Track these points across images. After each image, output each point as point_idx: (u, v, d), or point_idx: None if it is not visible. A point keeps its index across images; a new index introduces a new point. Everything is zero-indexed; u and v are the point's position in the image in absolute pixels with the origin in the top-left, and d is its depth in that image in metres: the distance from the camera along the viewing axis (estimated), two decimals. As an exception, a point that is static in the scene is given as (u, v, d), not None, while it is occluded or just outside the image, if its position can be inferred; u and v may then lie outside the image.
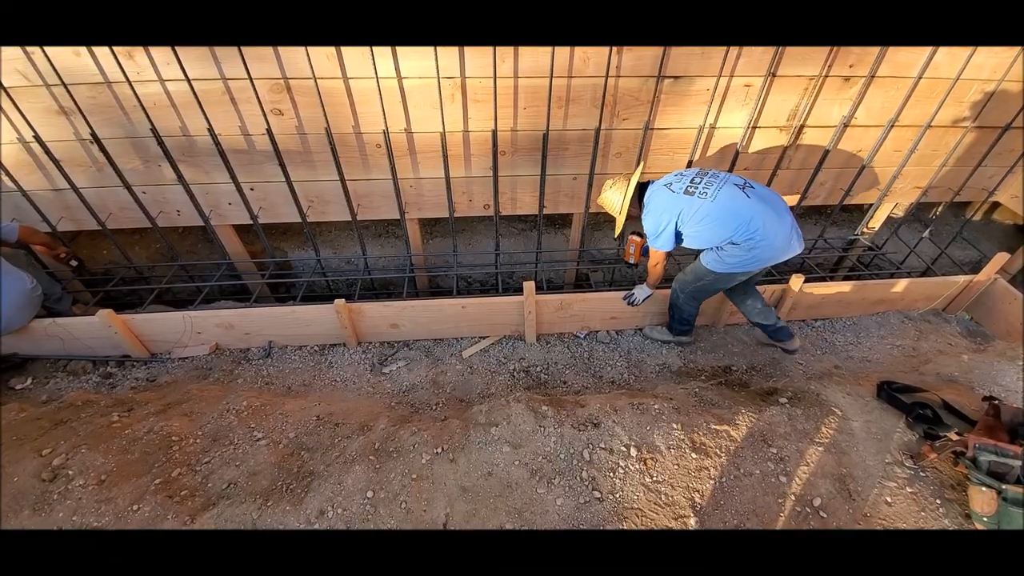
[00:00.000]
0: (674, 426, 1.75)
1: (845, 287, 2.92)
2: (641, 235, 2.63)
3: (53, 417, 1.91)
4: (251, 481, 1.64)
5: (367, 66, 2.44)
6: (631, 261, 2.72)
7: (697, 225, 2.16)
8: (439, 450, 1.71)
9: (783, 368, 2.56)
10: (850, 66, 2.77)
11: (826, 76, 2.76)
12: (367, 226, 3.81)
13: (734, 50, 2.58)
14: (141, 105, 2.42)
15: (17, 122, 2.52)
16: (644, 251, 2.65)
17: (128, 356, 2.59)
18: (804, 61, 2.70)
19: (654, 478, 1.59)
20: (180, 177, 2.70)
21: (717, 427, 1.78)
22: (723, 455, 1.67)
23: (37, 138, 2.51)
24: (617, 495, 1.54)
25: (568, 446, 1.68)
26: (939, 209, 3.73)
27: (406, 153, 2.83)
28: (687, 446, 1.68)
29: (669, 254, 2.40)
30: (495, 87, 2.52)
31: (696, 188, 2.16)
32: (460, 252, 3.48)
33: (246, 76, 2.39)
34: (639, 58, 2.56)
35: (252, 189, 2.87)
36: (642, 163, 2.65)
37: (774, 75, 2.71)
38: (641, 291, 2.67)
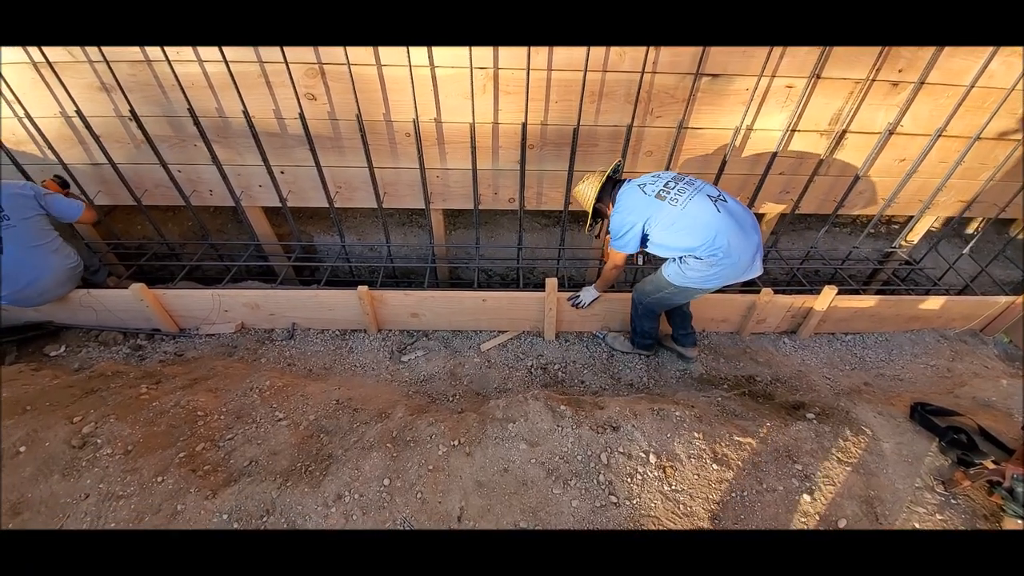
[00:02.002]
0: (695, 435, 1.72)
1: (879, 302, 2.82)
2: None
3: (84, 386, 1.97)
4: (271, 460, 1.67)
5: (401, 54, 2.43)
6: (639, 261, 2.63)
7: (663, 231, 2.11)
8: (456, 442, 1.71)
9: (810, 382, 2.49)
10: (899, 71, 2.65)
11: (873, 80, 2.64)
12: (391, 214, 3.82)
13: (778, 49, 2.49)
14: (179, 84, 2.46)
15: (61, 97, 2.59)
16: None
17: (158, 330, 2.66)
18: (851, 63, 2.59)
19: (673, 487, 1.57)
20: (214, 157, 2.75)
21: (740, 439, 1.73)
22: (746, 468, 1.63)
23: (79, 113, 2.57)
24: (634, 501, 1.52)
25: (586, 448, 1.66)
26: (982, 225, 3.56)
27: (435, 143, 2.82)
28: (708, 456, 1.64)
29: (629, 258, 2.34)
30: (528, 79, 2.48)
31: (668, 193, 2.10)
32: (482, 245, 3.47)
33: (282, 60, 2.41)
34: (677, 54, 2.49)
35: (282, 172, 2.91)
36: (619, 160, 2.56)
37: (819, 77, 2.61)
38: (588, 293, 2.58)
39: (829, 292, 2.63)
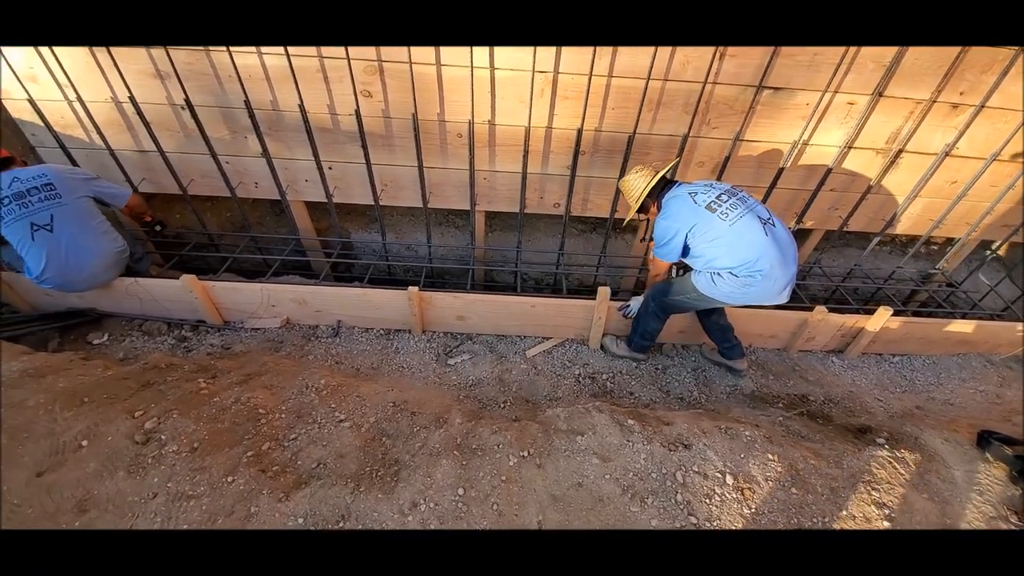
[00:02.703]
0: (770, 456, 1.68)
1: (929, 324, 2.78)
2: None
3: (140, 378, 1.94)
4: (339, 463, 1.63)
5: (463, 55, 2.40)
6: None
7: (705, 244, 2.07)
8: (525, 453, 1.68)
9: (863, 403, 2.45)
10: (960, 93, 2.62)
11: (935, 101, 2.61)
12: (429, 214, 3.80)
13: (844, 65, 2.46)
14: (238, 75, 2.44)
15: (114, 82, 2.57)
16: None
17: (203, 321, 2.63)
18: (915, 83, 2.56)
19: (753, 509, 1.53)
20: (265, 150, 2.72)
21: (815, 463, 1.70)
22: (824, 493, 1.59)
23: (132, 99, 2.55)
24: (714, 523, 1.49)
25: (659, 465, 1.63)
26: (1027, 249, 3.52)
27: (485, 145, 2.79)
28: (787, 480, 1.61)
29: (672, 265, 2.29)
30: (588, 85, 2.45)
31: (720, 206, 2.06)
32: (522, 249, 3.43)
33: (343, 56, 2.38)
34: (742, 66, 2.46)
35: (331, 168, 2.88)
36: (676, 159, 2.53)
37: (881, 95, 2.58)
38: (638, 302, 2.53)
39: (883, 313, 2.59)
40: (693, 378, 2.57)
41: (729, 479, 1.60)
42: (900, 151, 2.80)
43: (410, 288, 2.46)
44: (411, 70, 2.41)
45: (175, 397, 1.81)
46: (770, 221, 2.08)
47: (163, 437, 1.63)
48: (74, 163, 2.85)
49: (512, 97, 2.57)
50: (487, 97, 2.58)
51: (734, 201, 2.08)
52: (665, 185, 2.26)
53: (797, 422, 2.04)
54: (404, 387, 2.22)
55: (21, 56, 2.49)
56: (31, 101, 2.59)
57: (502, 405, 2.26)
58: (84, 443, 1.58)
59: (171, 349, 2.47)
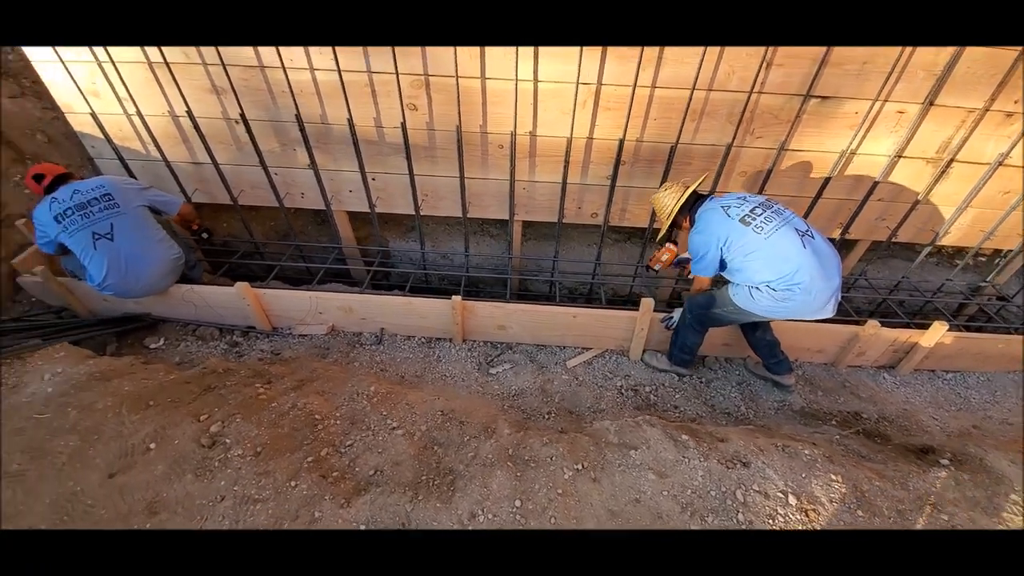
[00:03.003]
0: (832, 477, 1.64)
1: (986, 339, 2.68)
2: (676, 244, 2.49)
3: (200, 382, 2.01)
4: (395, 471, 1.65)
5: (508, 67, 2.44)
6: (655, 268, 2.52)
7: (741, 259, 2.04)
8: (579, 467, 1.67)
9: (919, 422, 2.37)
10: (1015, 101, 2.54)
11: (987, 109, 2.54)
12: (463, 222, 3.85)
13: (894, 73, 2.41)
14: (290, 90, 2.52)
15: (171, 97, 2.68)
16: (676, 262, 2.49)
17: (252, 327, 2.70)
18: (968, 92, 2.49)
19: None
20: (313, 162, 2.80)
21: (880, 484, 1.65)
22: (891, 516, 1.54)
23: (189, 113, 2.66)
24: (778, 542, 1.45)
25: (718, 483, 1.60)
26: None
27: (526, 156, 2.82)
28: (852, 501, 1.56)
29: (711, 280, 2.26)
30: (632, 95, 2.46)
31: (754, 219, 2.02)
32: (558, 258, 3.44)
33: (392, 71, 2.45)
34: (788, 75, 2.44)
35: (374, 179, 2.94)
36: (705, 174, 2.52)
37: (932, 103, 2.52)
38: (680, 314, 2.49)
39: (939, 328, 2.51)
40: (739, 392, 2.52)
41: (792, 499, 1.57)
42: (951, 161, 2.73)
43: (454, 298, 2.49)
44: (457, 83, 2.46)
45: (236, 402, 1.86)
46: (808, 233, 2.04)
47: (227, 441, 1.67)
48: (131, 174, 2.99)
49: (554, 108, 2.60)
50: (529, 109, 2.61)
51: (769, 214, 2.05)
52: (697, 199, 2.25)
53: (855, 441, 1.98)
54: (449, 396, 2.24)
55: (85, 72, 2.63)
56: (93, 115, 2.73)
57: (546, 416, 2.26)
58: (152, 446, 1.64)
59: (224, 354, 2.55)
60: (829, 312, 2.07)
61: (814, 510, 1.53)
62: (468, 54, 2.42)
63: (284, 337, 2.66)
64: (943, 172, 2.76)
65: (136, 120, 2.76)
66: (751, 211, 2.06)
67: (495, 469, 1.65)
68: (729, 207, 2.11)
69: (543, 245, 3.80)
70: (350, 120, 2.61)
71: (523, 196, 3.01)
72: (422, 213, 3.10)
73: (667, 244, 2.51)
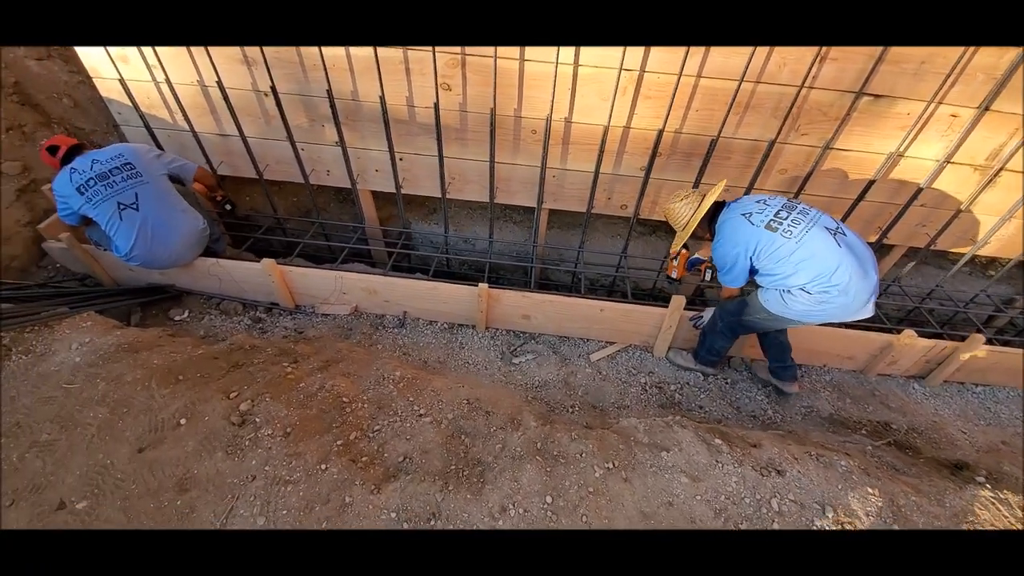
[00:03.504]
0: (869, 491, 1.60)
1: (1021, 355, 2.60)
2: (687, 247, 2.41)
3: (228, 358, 1.99)
4: (424, 459, 1.64)
5: (548, 51, 2.36)
6: (673, 275, 2.47)
7: (773, 265, 1.95)
8: (610, 465, 1.64)
9: (948, 435, 2.32)
10: (1077, 110, 2.41)
11: (1047, 117, 2.42)
12: (484, 207, 3.78)
13: (952, 75, 2.29)
14: (323, 64, 2.45)
15: (202, 66, 2.62)
16: (689, 265, 2.44)
17: (276, 304, 2.69)
18: (1034, 100, 2.37)
19: (856, 543, 1.46)
20: (341, 139, 2.74)
21: (916, 499, 1.61)
22: (931, 532, 1.51)
23: (219, 84, 2.60)
24: (815, 554, 1.43)
25: (752, 490, 1.57)
26: None
27: (559, 142, 2.74)
28: (888, 516, 1.53)
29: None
30: (676, 84, 2.37)
31: (780, 224, 1.93)
32: (583, 249, 3.38)
33: (428, 49, 2.37)
34: (842, 70, 2.33)
35: (402, 159, 2.88)
36: (723, 181, 2.36)
37: (987, 108, 2.40)
38: (711, 314, 2.42)
39: (976, 340, 2.44)
40: (764, 395, 2.48)
41: (828, 511, 1.53)
42: (1000, 169, 2.61)
43: (480, 285, 2.45)
44: (495, 64, 2.38)
45: (264, 380, 1.85)
46: (839, 230, 1.95)
47: (258, 420, 1.66)
48: (156, 142, 2.95)
49: (593, 94, 2.51)
50: (567, 94, 2.53)
51: (795, 216, 1.96)
52: (716, 209, 2.14)
53: (888, 453, 1.94)
54: (474, 384, 2.21)
55: (116, 37, 2.57)
56: (121, 80, 2.68)
57: (570, 410, 2.23)
58: (182, 421, 1.63)
59: (248, 329, 2.54)
60: (869, 312, 1.99)
61: (851, 523, 1.50)
62: (508, 33, 2.33)
63: (307, 315, 2.64)
64: (991, 180, 2.65)
65: (164, 88, 2.71)
66: (775, 215, 1.97)
67: (524, 463, 1.63)
68: (751, 214, 2.01)
69: (566, 234, 3.74)
70: (382, 98, 2.54)
71: (552, 184, 2.94)
72: (449, 196, 3.04)
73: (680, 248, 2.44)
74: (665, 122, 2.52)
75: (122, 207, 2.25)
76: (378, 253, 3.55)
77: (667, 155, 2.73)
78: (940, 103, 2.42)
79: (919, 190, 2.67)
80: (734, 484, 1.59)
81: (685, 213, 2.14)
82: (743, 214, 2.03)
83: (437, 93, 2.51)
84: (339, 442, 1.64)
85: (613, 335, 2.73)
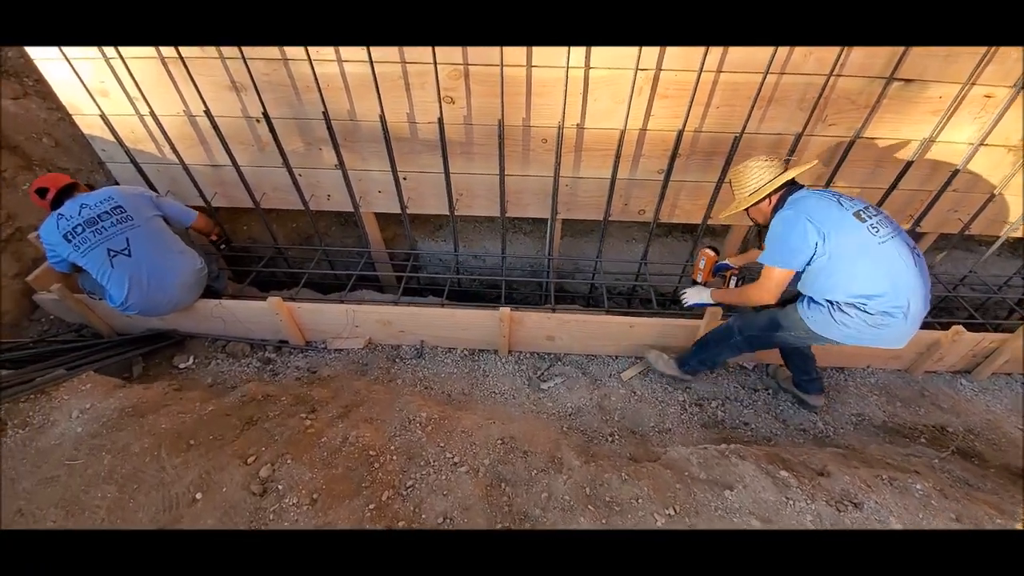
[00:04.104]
0: (952, 516, 1.47)
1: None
2: (716, 251, 2.25)
3: (241, 413, 1.85)
4: (466, 517, 1.50)
5: (558, 55, 2.21)
6: (699, 279, 2.31)
7: (845, 261, 1.66)
8: (671, 512, 1.50)
9: (1005, 433, 2.20)
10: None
11: (1087, 91, 2.28)
12: (491, 221, 3.64)
13: (987, 53, 2.15)
14: (317, 85, 2.29)
15: (187, 95, 2.46)
16: (716, 271, 2.27)
17: (285, 342, 2.54)
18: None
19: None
20: (341, 162, 2.59)
21: (1003, 521, 1.48)
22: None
23: (207, 112, 2.44)
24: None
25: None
26: None
27: (571, 150, 2.59)
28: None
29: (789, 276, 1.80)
30: (696, 82, 2.22)
31: (868, 218, 1.69)
32: (600, 258, 3.23)
33: (428, 60, 2.22)
34: (871, 56, 2.19)
35: (405, 178, 2.73)
36: (816, 162, 2.09)
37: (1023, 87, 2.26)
38: (698, 294, 2.15)
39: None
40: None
41: (911, 544, 1.40)
42: (1039, 146, 2.48)
43: (502, 309, 2.30)
44: (501, 73, 2.23)
45: (284, 438, 1.70)
46: (915, 250, 1.74)
47: (280, 487, 1.52)
48: (145, 178, 2.79)
49: (606, 98, 2.36)
50: (578, 99, 2.38)
51: (881, 218, 1.72)
52: (790, 189, 1.86)
53: (955, 464, 1.81)
54: (503, 417, 2.08)
55: (92, 69, 2.40)
56: (102, 116, 2.51)
57: (609, 439, 2.10)
58: (198, 496, 1.48)
59: (257, 372, 2.39)
60: (903, 343, 1.77)
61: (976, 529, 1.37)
62: (514, 40, 2.18)
63: (319, 352, 2.49)
64: (1026, 160, 2.52)
65: (149, 121, 2.54)
66: (864, 209, 1.73)
67: (576, 515, 1.49)
68: (840, 197, 1.75)
69: (579, 242, 3.60)
70: (382, 116, 2.39)
71: (565, 193, 2.79)
72: (458, 213, 2.89)
73: (704, 250, 2.28)
74: (685, 121, 2.37)
75: (112, 254, 2.10)
76: (386, 277, 3.40)
77: (686, 156, 2.59)
78: (973, 84, 2.28)
79: (954, 174, 2.52)
80: (810, 523, 1.45)
81: (762, 177, 1.82)
82: (832, 195, 1.76)
83: (440, 107, 2.35)
84: (371, 505, 1.50)
85: (643, 350, 2.58)
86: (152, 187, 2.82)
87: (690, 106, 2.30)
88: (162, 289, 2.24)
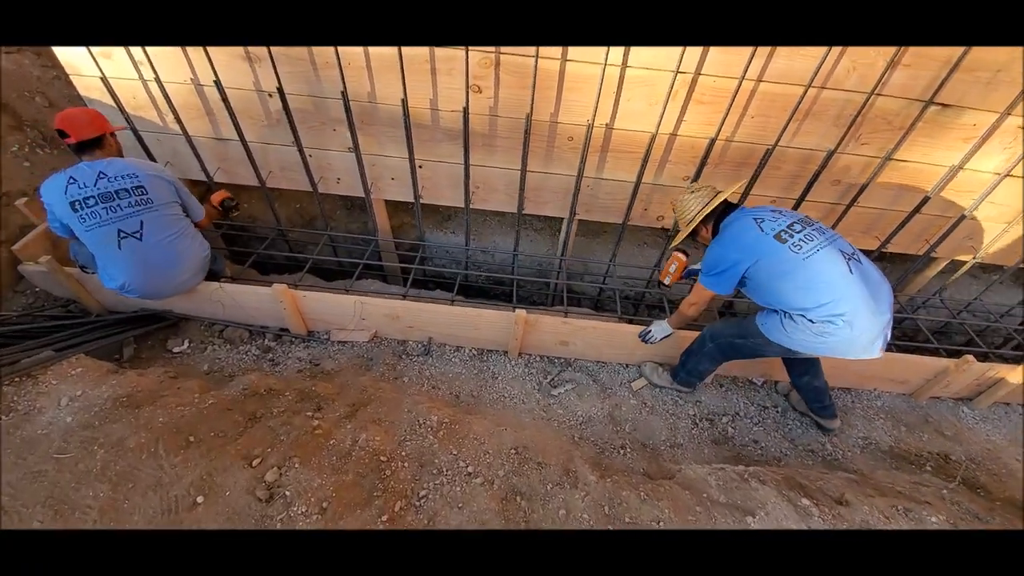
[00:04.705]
0: (972, 553, 1.46)
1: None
2: (686, 253, 2.25)
3: (243, 408, 1.75)
4: (483, 535, 1.44)
5: (596, 51, 2.11)
6: (666, 281, 2.30)
7: (774, 280, 1.76)
8: (693, 535, 1.47)
9: (1005, 464, 2.22)
10: None
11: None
12: (502, 215, 3.54)
13: (1030, 83, 2.12)
14: (339, 63, 2.16)
15: (197, 63, 2.31)
16: (686, 275, 2.27)
17: (286, 330, 2.43)
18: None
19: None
20: (356, 145, 2.46)
21: (1020, 561, 1.47)
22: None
23: (217, 83, 2.29)
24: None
25: (852, 560, 1.41)
26: None
27: (597, 150, 2.51)
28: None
29: (715, 297, 1.98)
30: (737, 89, 2.15)
31: (791, 237, 1.74)
32: (604, 262, 3.17)
33: (459, 47, 2.10)
34: (914, 77, 2.14)
35: (421, 167, 2.62)
36: (741, 183, 2.21)
37: (1059, 118, 2.24)
38: (660, 328, 2.22)
39: (1036, 364, 2.33)
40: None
41: (933, 582, 1.39)
42: (1059, 180, 2.47)
43: (517, 311, 2.23)
44: (535, 64, 2.12)
45: (291, 439, 1.61)
46: (855, 256, 1.76)
47: (287, 493, 1.44)
48: (145, 147, 2.62)
49: (640, 98, 2.28)
50: (610, 98, 2.29)
51: (809, 232, 1.76)
52: (726, 209, 1.95)
53: (963, 495, 1.81)
54: (514, 424, 2.02)
55: (95, 28, 2.23)
56: (104, 79, 2.35)
57: (621, 451, 2.05)
58: (199, 499, 1.40)
59: (256, 361, 2.29)
60: (875, 353, 1.77)
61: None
62: (550, 31, 2.07)
63: (322, 343, 2.40)
64: (1049, 192, 2.51)
65: (154, 87, 2.38)
66: (788, 227, 1.77)
67: (598, 536, 1.44)
68: (763, 220, 1.81)
69: (590, 243, 3.53)
70: (404, 101, 2.27)
71: (586, 194, 2.71)
72: (473, 206, 2.80)
73: (675, 253, 2.26)
74: (719, 130, 2.30)
75: (123, 235, 1.95)
76: (391, 267, 3.29)
77: (715, 165, 2.52)
78: (1009, 114, 2.24)
79: (979, 201, 2.51)
80: (832, 556, 1.43)
81: (693, 207, 1.95)
82: (755, 219, 1.82)
83: (468, 95, 2.24)
84: (384, 517, 1.43)
85: (642, 362, 2.54)
86: (151, 157, 2.67)
87: (726, 114, 2.23)
88: (170, 275, 2.12)
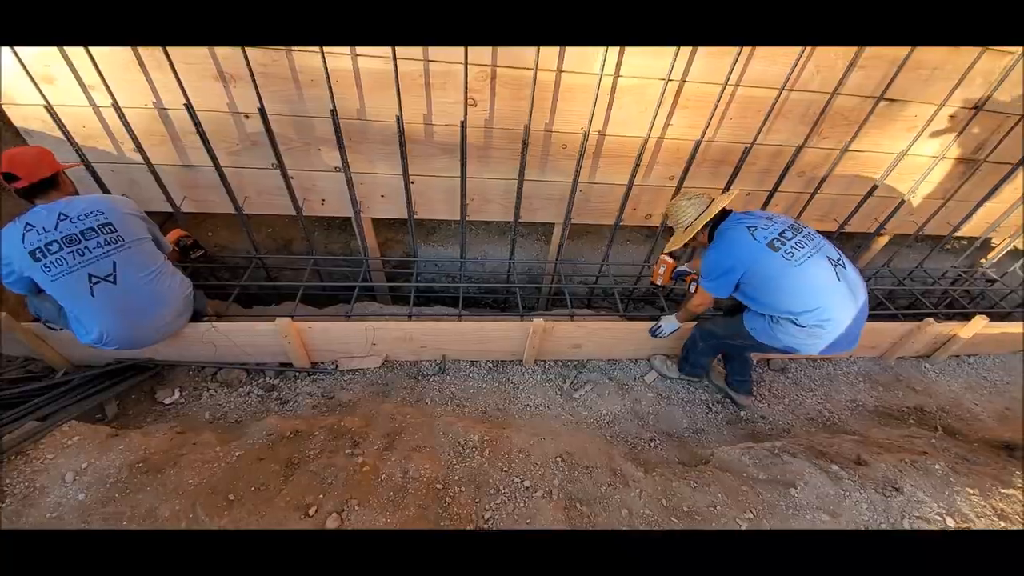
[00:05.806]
0: (969, 491, 1.66)
1: (1007, 327, 2.91)
2: (675, 256, 2.43)
3: (275, 455, 1.63)
4: (560, 549, 1.44)
5: (591, 60, 2.17)
6: (658, 282, 2.48)
7: (767, 285, 1.85)
8: (750, 515, 1.56)
9: (968, 409, 2.54)
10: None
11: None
12: (489, 224, 3.53)
13: (956, 80, 2.43)
14: (327, 79, 2.06)
15: (160, 84, 2.11)
16: (675, 276, 2.44)
17: (288, 364, 2.28)
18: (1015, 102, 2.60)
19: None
20: (345, 163, 2.36)
21: (1006, 491, 1.70)
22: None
23: (188, 106, 2.11)
24: None
25: (885, 515, 1.57)
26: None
27: (589, 156, 2.57)
28: (992, 513, 1.59)
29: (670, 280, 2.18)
30: (720, 94, 2.29)
31: (783, 244, 1.83)
32: (594, 262, 3.26)
33: (455, 60, 2.09)
34: (868, 77, 2.39)
35: (413, 182, 2.56)
36: (736, 189, 2.39)
37: (979, 108, 2.59)
38: (669, 324, 2.31)
39: (979, 321, 2.69)
40: (812, 394, 2.55)
41: (950, 521, 1.57)
42: (984, 159, 2.85)
43: (535, 320, 2.24)
44: (535, 76, 2.14)
45: (340, 481, 1.53)
46: (840, 262, 1.87)
47: (354, 540, 1.36)
48: (97, 179, 2.35)
49: (632, 105, 2.37)
50: (603, 106, 2.36)
51: (800, 239, 1.85)
52: (719, 218, 2.00)
53: (948, 443, 2.06)
54: (548, 432, 2.03)
55: (33, 53, 1.98)
56: (48, 107, 2.08)
57: (651, 444, 2.13)
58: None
59: (261, 401, 2.13)
60: (854, 347, 1.93)
61: (968, 528, 1.55)
62: (547, 44, 2.11)
63: (329, 374, 2.27)
64: (975, 170, 2.89)
65: (108, 113, 2.15)
66: (780, 234, 1.86)
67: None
68: (756, 228, 1.89)
69: (577, 244, 3.60)
70: (399, 118, 2.21)
71: (579, 198, 2.76)
72: (469, 218, 2.77)
73: (663, 256, 2.41)
74: (704, 132, 2.44)
75: (95, 280, 1.73)
76: (381, 287, 3.18)
77: (697, 164, 2.67)
78: (944, 105, 2.56)
79: (918, 183, 2.84)
80: (866, 512, 1.58)
81: (691, 214, 2.01)
82: (748, 227, 1.90)
83: (465, 109, 2.22)
84: (461, 547, 1.39)
85: (651, 355, 2.65)
86: (105, 190, 2.40)
87: (711, 117, 2.37)
88: (150, 320, 1.91)
